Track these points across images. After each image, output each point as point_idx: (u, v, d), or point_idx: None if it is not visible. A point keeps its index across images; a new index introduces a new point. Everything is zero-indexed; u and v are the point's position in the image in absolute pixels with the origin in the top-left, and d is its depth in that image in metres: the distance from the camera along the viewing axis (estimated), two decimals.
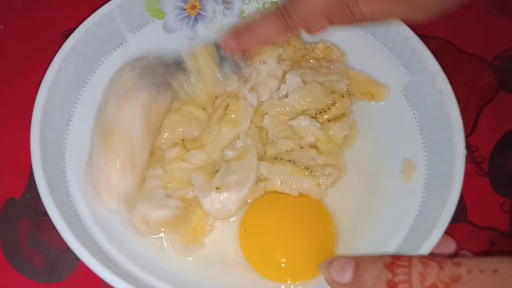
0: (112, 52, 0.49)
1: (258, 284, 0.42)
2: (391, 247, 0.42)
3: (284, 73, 0.49)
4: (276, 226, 0.43)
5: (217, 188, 0.42)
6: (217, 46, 0.45)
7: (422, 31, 0.48)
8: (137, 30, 0.50)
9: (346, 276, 0.37)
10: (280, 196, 0.44)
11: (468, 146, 0.43)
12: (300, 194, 0.44)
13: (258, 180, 0.44)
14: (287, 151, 0.45)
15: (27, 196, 0.48)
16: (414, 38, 0.48)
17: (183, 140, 0.46)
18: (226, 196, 0.43)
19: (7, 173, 0.49)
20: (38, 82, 0.44)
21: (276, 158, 0.45)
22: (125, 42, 0.50)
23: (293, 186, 0.44)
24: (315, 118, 0.46)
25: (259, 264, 0.42)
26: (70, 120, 0.46)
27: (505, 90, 0.54)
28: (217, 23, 0.52)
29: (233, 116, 0.45)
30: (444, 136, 0.45)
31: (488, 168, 0.51)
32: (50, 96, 0.44)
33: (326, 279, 0.39)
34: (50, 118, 0.44)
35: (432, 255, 0.40)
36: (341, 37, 0.50)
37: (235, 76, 0.46)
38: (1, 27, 0.56)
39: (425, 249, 0.39)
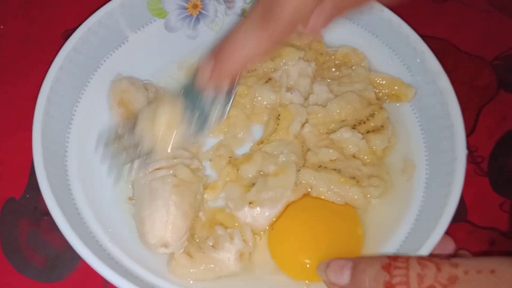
0: (113, 51, 0.49)
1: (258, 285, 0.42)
2: (391, 247, 0.42)
3: (313, 71, 0.48)
4: (304, 227, 0.42)
5: (250, 203, 0.42)
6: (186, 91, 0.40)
7: (422, 31, 0.49)
8: (139, 29, 0.50)
9: (344, 277, 0.37)
10: (310, 199, 0.44)
11: (468, 146, 0.43)
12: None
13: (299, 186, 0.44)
14: (331, 160, 0.45)
15: (27, 196, 0.48)
16: (416, 38, 0.48)
17: (230, 157, 0.46)
18: (259, 211, 0.42)
19: (7, 173, 0.49)
20: (38, 82, 0.44)
21: (320, 166, 0.44)
22: (127, 41, 0.50)
23: (341, 194, 0.43)
24: (354, 129, 0.46)
25: (285, 263, 0.42)
26: (71, 119, 0.46)
27: (505, 90, 0.55)
28: (218, 22, 0.52)
29: (285, 123, 0.45)
30: (445, 136, 0.45)
31: (487, 168, 0.51)
32: (52, 95, 0.44)
33: (324, 281, 0.39)
34: (51, 117, 0.44)
35: (432, 255, 0.40)
36: (343, 38, 0.50)
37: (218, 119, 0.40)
38: (1, 27, 0.56)
39: (425, 249, 0.40)
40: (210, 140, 0.48)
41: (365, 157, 0.45)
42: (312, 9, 0.33)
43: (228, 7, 0.52)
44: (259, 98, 0.48)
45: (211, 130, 0.42)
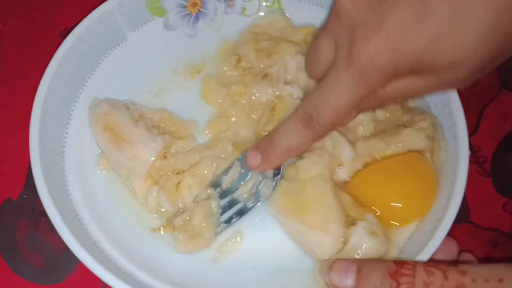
0: (112, 50, 0.49)
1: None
2: (394, 248, 0.42)
3: None
4: (384, 179, 0.43)
5: None
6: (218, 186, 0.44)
7: None
8: (138, 28, 0.50)
9: (348, 281, 0.36)
10: (379, 164, 0.43)
11: (470, 146, 0.43)
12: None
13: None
14: (371, 133, 0.44)
15: (25, 196, 0.48)
16: None
17: (233, 144, 0.46)
18: None
19: (4, 173, 0.49)
20: (37, 82, 0.44)
21: (365, 137, 0.44)
22: (126, 40, 0.49)
23: (397, 143, 0.43)
24: None
25: (383, 214, 0.42)
26: (69, 119, 0.46)
27: (507, 89, 0.54)
28: (218, 21, 0.52)
29: (280, 115, 0.45)
30: (447, 136, 0.44)
31: (490, 168, 0.51)
32: (49, 94, 0.44)
33: (326, 283, 0.38)
34: (49, 116, 0.44)
35: (435, 258, 0.39)
36: None
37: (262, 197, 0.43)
38: (0, 26, 0.55)
39: (428, 251, 0.39)
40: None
41: (397, 112, 0.45)
42: (349, 114, 0.38)
43: (228, 5, 0.52)
44: (257, 95, 0.47)
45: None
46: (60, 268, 0.45)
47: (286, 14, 0.52)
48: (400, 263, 0.35)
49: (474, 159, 0.51)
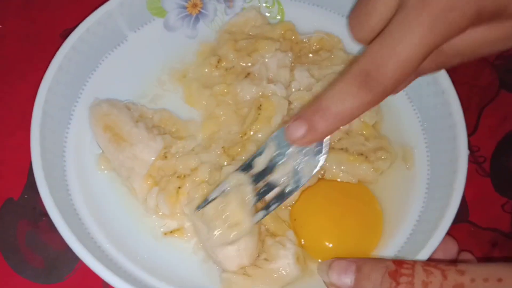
0: (112, 51, 0.49)
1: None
2: (393, 248, 0.42)
3: (291, 61, 0.48)
4: (322, 211, 0.42)
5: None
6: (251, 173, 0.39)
7: None
8: (138, 29, 0.50)
9: (347, 280, 0.36)
10: (323, 183, 0.43)
11: (469, 146, 0.43)
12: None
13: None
14: (336, 140, 0.45)
15: (26, 196, 0.48)
16: None
17: (223, 148, 0.45)
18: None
19: (5, 173, 0.49)
20: (37, 82, 0.44)
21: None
22: (126, 40, 0.49)
23: (353, 173, 0.43)
24: None
25: (309, 248, 0.42)
26: (70, 119, 0.46)
27: (507, 89, 0.54)
28: (218, 22, 0.52)
29: (266, 113, 0.45)
30: (446, 136, 0.45)
31: (489, 168, 0.51)
32: (50, 95, 0.44)
33: (325, 282, 0.38)
34: (50, 117, 0.44)
35: (434, 258, 0.40)
36: (337, 28, 0.50)
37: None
38: (0, 26, 0.55)
39: (427, 250, 0.39)
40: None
41: (364, 131, 0.46)
42: (413, 73, 0.31)
43: (228, 6, 0.52)
44: (241, 94, 0.47)
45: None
46: (60, 267, 0.45)
47: (286, 16, 0.52)
48: (399, 262, 0.35)
49: (473, 159, 0.51)
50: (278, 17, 0.52)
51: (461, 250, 0.42)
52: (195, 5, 0.51)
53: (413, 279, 0.33)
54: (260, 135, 0.45)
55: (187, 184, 0.43)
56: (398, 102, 0.48)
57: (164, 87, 0.49)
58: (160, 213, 0.44)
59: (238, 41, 0.49)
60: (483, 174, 0.51)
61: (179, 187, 0.43)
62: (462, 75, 0.54)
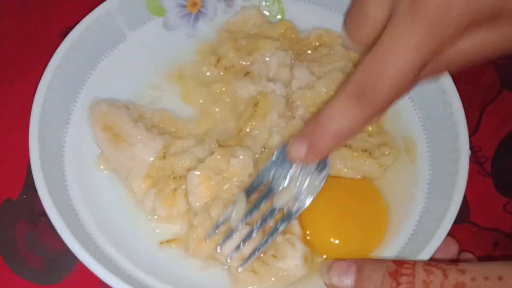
0: (111, 50, 0.49)
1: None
2: (394, 249, 0.42)
3: (291, 60, 0.48)
4: (327, 208, 0.42)
5: None
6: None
7: None
8: (137, 28, 0.50)
9: (348, 281, 0.36)
10: (330, 179, 0.42)
11: (471, 146, 0.43)
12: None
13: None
14: None
15: (24, 196, 0.48)
16: None
17: (217, 141, 0.45)
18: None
19: (3, 173, 0.49)
20: (35, 81, 0.44)
21: None
22: (125, 39, 0.49)
23: (357, 169, 0.44)
24: None
25: (316, 245, 0.42)
26: (69, 119, 0.46)
27: (509, 89, 0.54)
28: (218, 21, 0.51)
29: (263, 111, 0.45)
30: (448, 136, 0.44)
31: (491, 169, 0.51)
32: (49, 94, 0.44)
33: (325, 283, 0.38)
34: (49, 116, 0.44)
35: (435, 258, 0.39)
36: (337, 24, 0.50)
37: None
38: None
39: (428, 250, 0.39)
40: None
41: (367, 128, 0.46)
42: (410, 83, 0.30)
43: (228, 5, 0.51)
44: (239, 93, 0.47)
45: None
46: (59, 268, 0.45)
47: (286, 15, 0.52)
48: (399, 262, 0.35)
49: (474, 159, 0.51)
50: (279, 16, 0.52)
51: (461, 250, 0.42)
52: (194, 4, 0.51)
53: (413, 279, 0.33)
54: (256, 132, 0.45)
55: (184, 186, 0.43)
56: (399, 102, 0.48)
57: (164, 87, 0.49)
58: (156, 217, 0.43)
59: (238, 40, 0.49)
60: (484, 174, 0.50)
61: (175, 189, 0.43)
62: (463, 75, 0.53)
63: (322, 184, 0.38)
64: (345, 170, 0.44)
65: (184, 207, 0.43)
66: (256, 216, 0.40)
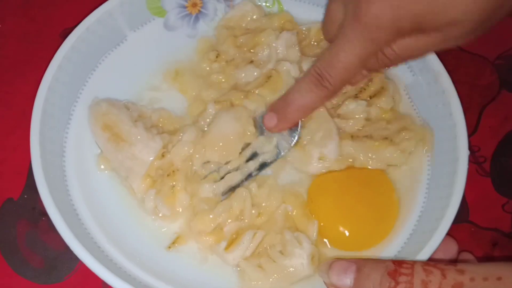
0: (112, 50, 0.49)
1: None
2: (393, 248, 0.42)
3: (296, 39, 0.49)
4: (339, 199, 0.43)
5: (319, 158, 0.44)
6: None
7: None
8: (138, 28, 0.50)
9: (347, 280, 0.36)
10: (340, 173, 0.44)
11: (470, 146, 0.43)
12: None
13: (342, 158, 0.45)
14: (358, 129, 0.45)
15: (25, 196, 0.48)
16: None
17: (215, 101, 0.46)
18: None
19: (5, 173, 0.49)
20: (36, 81, 0.44)
21: (352, 136, 0.45)
22: (126, 40, 0.49)
23: (380, 159, 0.44)
24: (357, 97, 0.46)
25: (325, 234, 0.43)
26: (70, 119, 0.46)
27: (507, 89, 0.54)
28: (218, 21, 0.51)
29: (273, 85, 0.46)
30: (447, 136, 0.44)
31: (490, 168, 0.51)
32: (50, 95, 0.44)
33: (325, 282, 0.38)
34: (50, 116, 0.44)
35: (434, 258, 0.40)
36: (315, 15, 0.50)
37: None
38: (0, 25, 0.55)
39: (427, 250, 0.39)
40: None
41: (383, 115, 0.46)
42: (358, 72, 0.41)
43: (228, 6, 0.51)
44: (244, 80, 0.47)
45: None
46: (60, 268, 0.45)
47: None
48: (398, 262, 0.35)
49: (473, 159, 0.51)
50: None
51: (461, 250, 0.42)
52: (195, 5, 0.51)
53: (412, 279, 0.33)
54: (266, 97, 0.46)
55: (180, 180, 0.43)
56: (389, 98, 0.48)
57: (164, 87, 0.49)
58: (160, 215, 0.44)
59: (238, 37, 0.49)
60: (483, 174, 0.51)
61: (173, 186, 0.43)
62: (462, 75, 0.54)
63: (292, 144, 0.45)
64: (370, 162, 0.44)
65: (187, 200, 0.43)
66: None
